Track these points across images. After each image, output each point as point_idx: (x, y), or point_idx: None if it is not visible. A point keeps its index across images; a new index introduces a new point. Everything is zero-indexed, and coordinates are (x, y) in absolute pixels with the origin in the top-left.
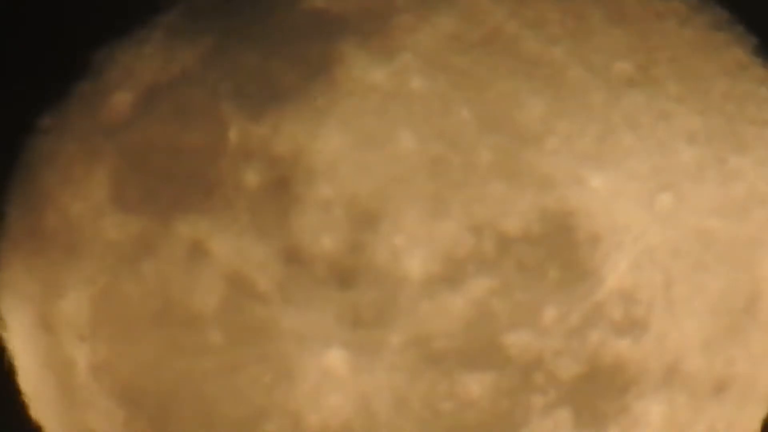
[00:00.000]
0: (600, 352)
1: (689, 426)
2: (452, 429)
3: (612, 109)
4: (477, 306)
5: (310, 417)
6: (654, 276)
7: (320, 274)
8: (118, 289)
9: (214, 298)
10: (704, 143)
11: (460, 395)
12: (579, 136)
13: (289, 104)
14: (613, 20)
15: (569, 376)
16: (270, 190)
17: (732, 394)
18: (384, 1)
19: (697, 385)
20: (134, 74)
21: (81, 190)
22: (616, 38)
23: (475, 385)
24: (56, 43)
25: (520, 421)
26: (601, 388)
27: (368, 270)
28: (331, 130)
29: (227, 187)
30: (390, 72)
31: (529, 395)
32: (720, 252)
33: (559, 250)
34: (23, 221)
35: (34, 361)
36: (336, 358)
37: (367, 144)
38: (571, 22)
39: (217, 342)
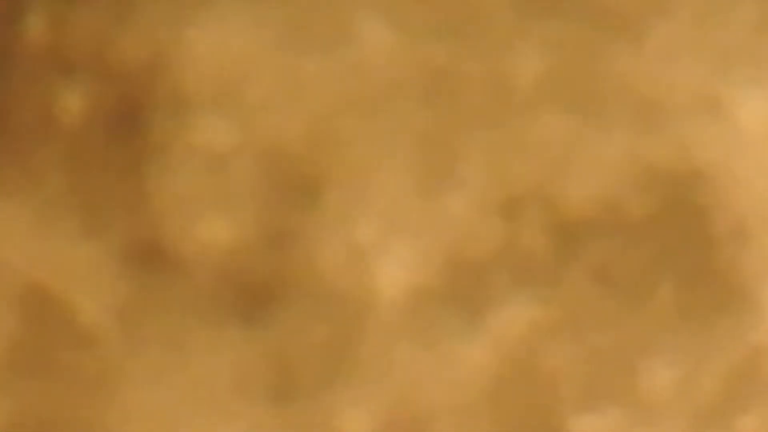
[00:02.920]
0: None
1: None
2: None
3: None
4: (506, 361)
5: None
6: None
7: (205, 292)
8: None
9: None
10: None
11: None
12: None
13: None
14: None
15: None
16: (106, 130)
17: None
18: None
19: None
20: None
21: None
22: None
23: None
24: None
25: None
26: None
27: (298, 285)
28: (219, 16)
29: (25, 123)
30: None
31: None
32: None
33: (672, 250)
34: None
35: None
36: None
37: (291, 43)
38: None
39: (2, 428)
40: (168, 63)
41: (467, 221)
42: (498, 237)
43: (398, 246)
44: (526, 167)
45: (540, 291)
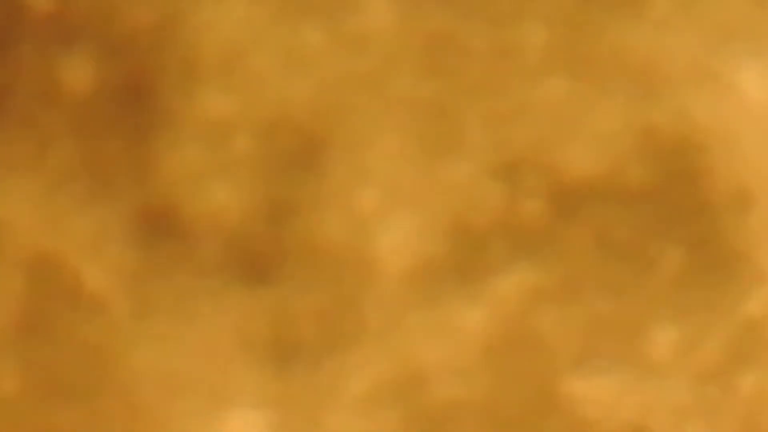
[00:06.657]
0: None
1: None
2: None
3: None
4: (503, 323)
5: None
6: None
7: (211, 258)
8: None
9: (6, 307)
10: None
11: None
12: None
13: None
14: None
15: None
16: (113, 99)
17: None
18: None
19: None
20: None
21: None
22: None
23: None
24: None
25: None
26: None
27: (301, 252)
28: None
29: (32, 93)
30: None
31: None
32: None
33: (674, 217)
34: None
35: None
36: (243, 425)
37: (294, 14)
38: None
39: (12, 392)
40: (174, 33)
41: (468, 189)
42: (499, 204)
43: (400, 214)
44: (527, 135)
45: (540, 257)
